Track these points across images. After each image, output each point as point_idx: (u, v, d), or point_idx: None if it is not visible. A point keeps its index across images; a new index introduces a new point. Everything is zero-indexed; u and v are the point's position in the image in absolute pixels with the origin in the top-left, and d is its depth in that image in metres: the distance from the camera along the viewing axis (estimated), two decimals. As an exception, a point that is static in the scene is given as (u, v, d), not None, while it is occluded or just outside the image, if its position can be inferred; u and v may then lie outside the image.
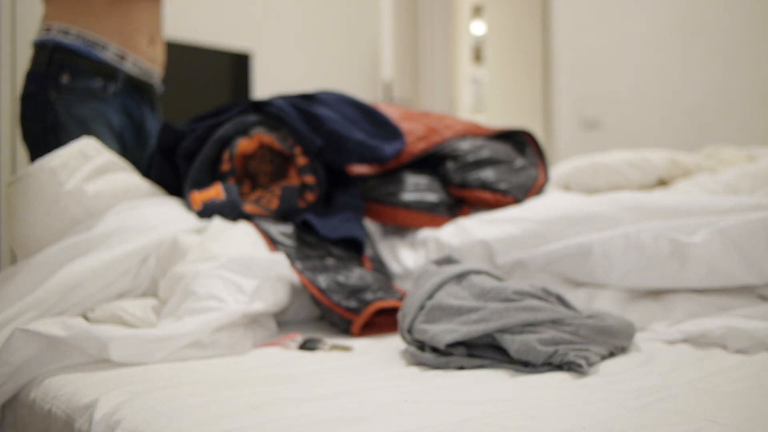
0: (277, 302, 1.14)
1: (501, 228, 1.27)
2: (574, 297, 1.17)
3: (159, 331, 0.94)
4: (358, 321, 1.15)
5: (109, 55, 1.46)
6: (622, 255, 1.12)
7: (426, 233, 1.38)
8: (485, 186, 1.45)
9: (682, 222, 1.12)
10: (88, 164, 1.24)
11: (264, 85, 3.06)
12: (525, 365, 0.84)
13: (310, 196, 1.42)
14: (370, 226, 1.47)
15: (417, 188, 1.47)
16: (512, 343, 0.84)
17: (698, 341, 0.99)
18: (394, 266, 1.38)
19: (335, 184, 1.51)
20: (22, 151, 1.94)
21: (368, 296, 1.18)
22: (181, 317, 1.02)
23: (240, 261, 1.10)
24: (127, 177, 1.31)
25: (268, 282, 1.12)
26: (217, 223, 1.26)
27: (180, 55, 2.85)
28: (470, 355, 0.88)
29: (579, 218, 1.21)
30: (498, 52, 5.14)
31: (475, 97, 5.61)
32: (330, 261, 1.26)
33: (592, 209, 1.22)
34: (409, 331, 0.95)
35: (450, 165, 1.50)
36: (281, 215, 1.37)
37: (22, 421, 0.89)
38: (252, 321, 1.10)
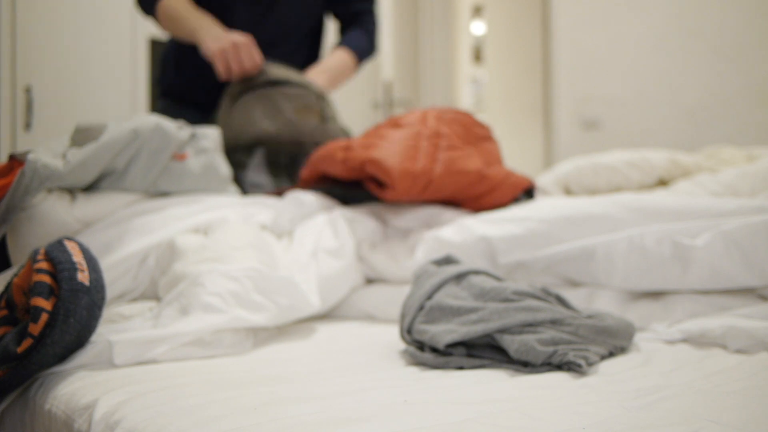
0: (281, 320, 1.13)
1: (503, 227, 1.27)
2: (574, 297, 1.17)
3: (160, 331, 0.95)
4: None
5: None
6: (625, 258, 1.12)
7: (426, 232, 1.38)
8: None
9: (685, 225, 1.12)
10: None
11: (264, 85, 3.05)
12: (524, 365, 0.84)
13: None
14: (372, 224, 1.47)
15: None
16: (512, 343, 0.84)
17: (698, 341, 0.99)
18: (393, 268, 1.38)
19: None
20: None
21: None
22: (184, 306, 1.02)
23: (258, 275, 1.09)
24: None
25: (278, 307, 1.10)
26: (216, 223, 1.26)
27: (180, 55, 2.84)
28: (470, 356, 0.88)
29: (582, 219, 1.21)
30: (498, 52, 5.15)
31: (475, 97, 5.62)
32: None
33: (595, 210, 1.22)
34: (409, 331, 0.95)
35: None
36: None
37: (22, 421, 0.89)
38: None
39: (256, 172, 1.68)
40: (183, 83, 1.94)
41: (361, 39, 2.04)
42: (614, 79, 3.51)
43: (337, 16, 2.10)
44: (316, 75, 1.89)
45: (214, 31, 1.72)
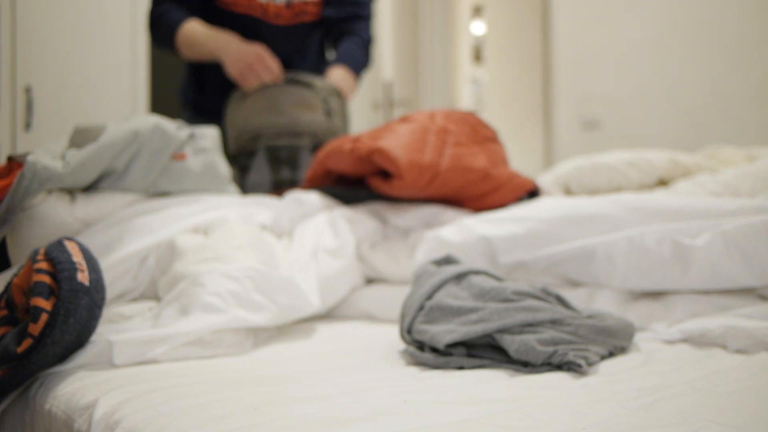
0: (281, 320, 1.12)
1: (503, 226, 1.27)
2: (574, 297, 1.17)
3: (160, 331, 0.95)
4: None
5: None
6: (625, 258, 1.12)
7: (426, 231, 1.38)
8: None
9: (685, 225, 1.11)
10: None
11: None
12: (524, 365, 0.84)
13: None
14: (372, 223, 1.47)
15: None
16: (512, 343, 0.84)
17: (698, 341, 0.99)
18: (393, 268, 1.38)
19: None
20: (22, 151, 1.94)
21: None
22: (184, 306, 1.02)
23: (258, 275, 1.09)
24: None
25: (278, 307, 1.10)
26: (216, 223, 1.26)
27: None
28: (470, 356, 0.88)
29: (583, 219, 1.21)
30: (498, 52, 5.15)
31: (475, 97, 5.61)
32: None
33: (596, 210, 1.22)
34: (409, 331, 0.95)
35: None
36: None
37: (22, 421, 0.89)
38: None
39: (258, 172, 1.79)
40: (205, 98, 2.04)
41: (357, 53, 2.02)
42: (614, 78, 3.51)
43: (330, 22, 2.05)
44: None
45: (234, 49, 1.82)
